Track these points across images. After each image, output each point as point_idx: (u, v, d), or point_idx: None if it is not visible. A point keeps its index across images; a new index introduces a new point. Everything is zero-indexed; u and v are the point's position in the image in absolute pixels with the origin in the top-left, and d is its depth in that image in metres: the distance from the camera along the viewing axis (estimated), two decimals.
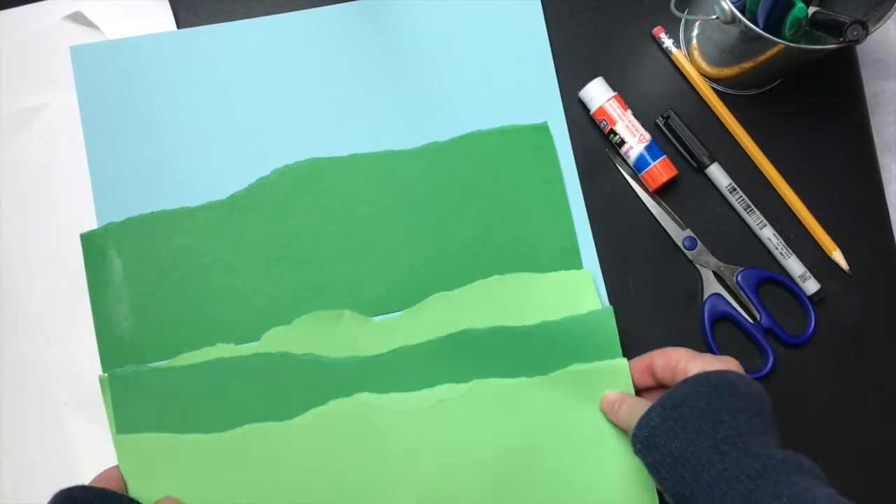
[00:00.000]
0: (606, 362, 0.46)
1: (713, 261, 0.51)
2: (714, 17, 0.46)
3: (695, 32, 0.52)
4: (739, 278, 0.51)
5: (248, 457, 0.46)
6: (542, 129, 0.51)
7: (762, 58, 0.47)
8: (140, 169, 0.50)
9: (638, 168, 0.51)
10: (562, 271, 0.49)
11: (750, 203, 0.52)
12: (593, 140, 0.53)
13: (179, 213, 0.49)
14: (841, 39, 0.43)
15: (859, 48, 0.56)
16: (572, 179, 0.52)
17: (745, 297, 0.51)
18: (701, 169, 0.52)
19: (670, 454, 0.37)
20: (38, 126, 0.50)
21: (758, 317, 0.51)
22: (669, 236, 0.52)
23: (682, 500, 0.36)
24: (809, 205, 0.52)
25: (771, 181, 0.53)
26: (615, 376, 0.45)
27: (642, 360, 0.45)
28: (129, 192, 0.50)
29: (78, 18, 0.51)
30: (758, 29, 0.44)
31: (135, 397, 0.46)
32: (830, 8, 0.49)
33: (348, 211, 0.50)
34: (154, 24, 0.52)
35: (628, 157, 0.51)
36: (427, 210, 0.50)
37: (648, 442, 0.38)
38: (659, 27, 0.54)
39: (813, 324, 0.51)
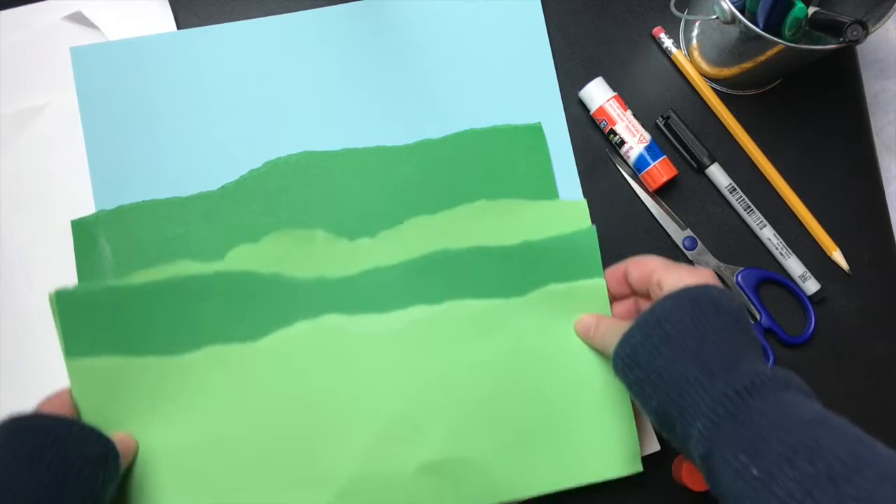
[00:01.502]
0: (584, 282, 0.45)
1: (713, 261, 0.51)
2: (714, 17, 0.46)
3: (695, 32, 0.52)
4: (739, 278, 0.51)
5: (211, 380, 0.43)
6: (536, 130, 0.51)
7: (762, 58, 0.47)
8: (140, 169, 0.50)
9: (638, 168, 0.51)
10: (557, 200, 0.48)
11: (750, 203, 0.52)
12: (593, 140, 0.53)
13: (170, 202, 0.49)
14: (841, 39, 0.43)
15: (859, 48, 0.56)
16: (572, 179, 0.52)
17: (745, 297, 0.51)
18: (701, 169, 0.52)
19: (654, 371, 0.36)
20: (38, 126, 0.50)
21: (758, 317, 0.51)
22: (669, 236, 0.52)
23: (666, 418, 0.36)
24: (809, 205, 0.52)
25: (771, 181, 0.53)
26: (592, 296, 0.45)
27: (616, 270, 0.45)
28: (129, 191, 0.50)
29: (78, 19, 0.51)
30: (758, 29, 0.44)
31: (87, 318, 0.43)
32: (830, 8, 0.49)
33: (340, 206, 0.49)
34: (154, 25, 0.52)
35: (628, 157, 0.51)
36: (419, 206, 0.50)
37: (631, 360, 0.38)
38: (659, 27, 0.54)
39: (813, 324, 0.51)
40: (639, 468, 0.45)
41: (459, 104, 0.52)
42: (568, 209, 0.47)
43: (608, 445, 0.45)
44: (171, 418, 0.43)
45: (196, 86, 0.51)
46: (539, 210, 0.48)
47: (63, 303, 0.43)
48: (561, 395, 0.45)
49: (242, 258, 0.46)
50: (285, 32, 0.52)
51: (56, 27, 0.51)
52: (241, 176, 0.50)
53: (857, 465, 0.29)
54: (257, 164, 0.50)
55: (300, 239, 0.46)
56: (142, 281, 0.44)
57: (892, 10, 0.44)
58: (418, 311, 0.45)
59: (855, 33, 0.42)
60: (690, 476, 0.46)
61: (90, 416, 0.42)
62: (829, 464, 0.29)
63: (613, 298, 0.46)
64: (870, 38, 0.42)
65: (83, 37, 0.51)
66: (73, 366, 0.42)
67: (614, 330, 0.40)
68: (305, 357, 0.44)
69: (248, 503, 0.42)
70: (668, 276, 0.40)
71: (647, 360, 0.37)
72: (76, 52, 0.51)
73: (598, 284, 0.45)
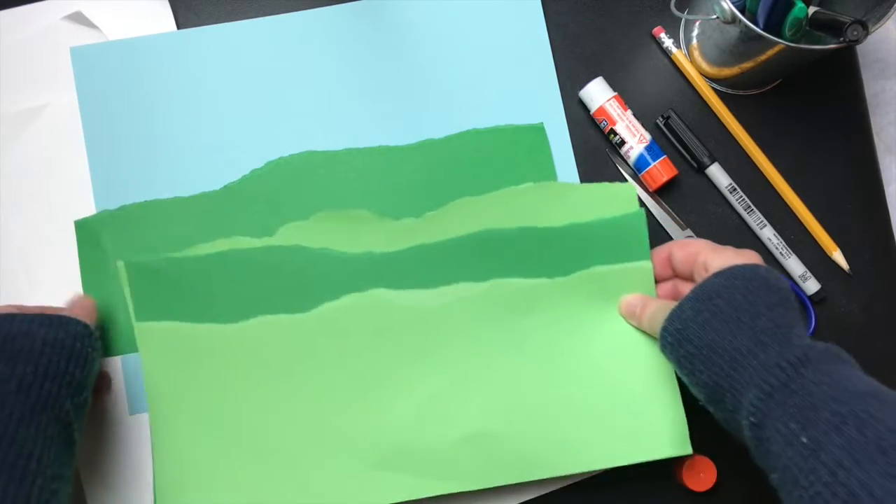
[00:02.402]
0: (630, 264, 0.46)
1: None
2: (714, 17, 0.46)
3: (695, 32, 0.52)
4: None
5: (262, 347, 0.46)
6: (538, 130, 0.51)
7: (762, 58, 0.47)
8: (140, 168, 0.50)
9: (638, 168, 0.51)
10: (605, 183, 0.48)
11: (750, 203, 0.52)
12: (593, 140, 0.53)
13: (173, 202, 0.49)
14: (841, 39, 0.43)
15: (859, 48, 0.56)
16: (572, 179, 0.52)
17: None
18: (701, 169, 0.52)
19: (706, 346, 0.37)
20: (38, 126, 0.50)
21: None
22: (669, 236, 0.52)
23: (716, 391, 0.36)
24: (809, 205, 0.52)
25: (771, 181, 0.53)
26: (638, 278, 0.45)
27: (661, 251, 0.45)
28: (129, 191, 0.50)
29: (78, 18, 0.51)
30: (758, 29, 0.44)
31: (153, 285, 0.46)
32: (830, 8, 0.49)
33: (342, 205, 0.50)
34: (154, 25, 0.52)
35: (628, 157, 0.51)
36: (420, 206, 0.50)
37: (681, 335, 0.38)
38: (659, 27, 0.54)
39: (813, 324, 0.51)
40: (688, 450, 0.45)
41: (459, 104, 0.52)
42: (616, 192, 0.47)
43: (654, 426, 0.45)
44: (224, 382, 0.45)
45: (196, 86, 0.51)
46: (586, 193, 0.48)
47: (132, 271, 0.46)
48: (603, 375, 0.45)
49: (293, 234, 0.47)
50: (285, 32, 0.52)
51: (56, 27, 0.51)
52: (244, 175, 0.50)
53: None
54: (257, 164, 0.50)
55: (348, 217, 0.48)
56: (199, 253, 0.47)
57: (892, 10, 0.44)
58: (463, 288, 0.46)
59: (855, 33, 0.42)
60: (690, 476, 0.46)
61: (156, 377, 0.45)
62: (879, 433, 0.29)
63: (655, 280, 0.46)
64: (870, 37, 0.42)
65: (83, 37, 0.51)
66: (142, 328, 0.46)
67: (663, 310, 0.40)
68: (353, 328, 0.46)
69: (290, 467, 0.44)
70: (715, 258, 0.40)
71: (698, 335, 0.37)
72: (76, 52, 0.51)
73: (644, 267, 0.46)
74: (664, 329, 0.39)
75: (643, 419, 0.45)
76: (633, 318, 0.45)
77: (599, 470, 0.45)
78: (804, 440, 0.31)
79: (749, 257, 0.40)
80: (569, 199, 0.47)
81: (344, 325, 0.46)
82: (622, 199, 0.47)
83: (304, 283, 0.46)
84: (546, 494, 0.48)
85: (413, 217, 0.48)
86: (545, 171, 0.51)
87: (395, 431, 0.45)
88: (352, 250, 0.47)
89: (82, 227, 0.49)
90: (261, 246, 0.47)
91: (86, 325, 0.41)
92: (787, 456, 0.32)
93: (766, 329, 0.36)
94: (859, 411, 0.30)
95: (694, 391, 0.39)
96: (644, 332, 0.45)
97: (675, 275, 0.45)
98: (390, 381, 0.45)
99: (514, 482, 0.44)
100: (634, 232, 0.46)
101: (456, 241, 0.46)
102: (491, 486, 0.44)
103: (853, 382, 0.32)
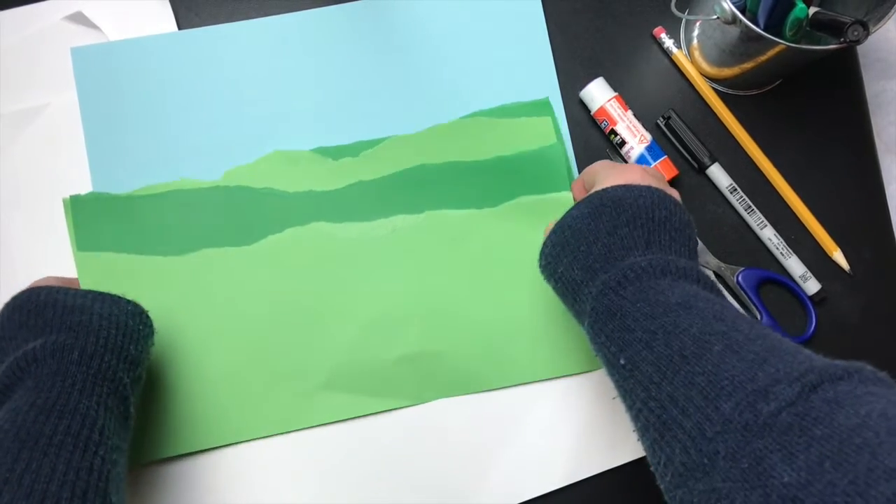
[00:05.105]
0: (552, 194, 0.49)
1: (714, 261, 0.51)
2: (714, 17, 0.46)
3: (695, 33, 0.52)
4: (740, 278, 0.51)
5: (205, 277, 0.47)
6: (544, 105, 0.51)
7: (763, 58, 0.47)
8: (141, 169, 0.50)
9: None
10: (524, 117, 0.50)
11: (750, 203, 0.52)
12: (594, 140, 0.53)
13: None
14: (841, 40, 0.43)
15: (860, 48, 0.56)
16: (573, 179, 0.52)
17: (746, 298, 0.51)
18: (701, 169, 0.52)
19: (559, 279, 0.38)
20: (38, 126, 0.50)
21: (758, 317, 0.51)
22: None
23: (576, 319, 0.38)
24: (810, 205, 0.52)
25: (771, 181, 0.53)
26: (560, 207, 0.47)
27: (579, 179, 0.46)
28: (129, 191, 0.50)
29: (78, 19, 0.51)
30: (758, 29, 0.44)
31: (97, 219, 0.47)
32: (831, 8, 0.49)
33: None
34: (155, 25, 0.51)
35: (629, 157, 0.51)
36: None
37: (545, 271, 0.40)
38: (659, 27, 0.54)
39: (814, 324, 0.51)
40: None
41: (460, 104, 0.52)
42: (536, 126, 0.50)
43: (570, 345, 0.47)
44: (167, 312, 0.47)
45: (197, 86, 0.51)
46: (510, 127, 0.50)
47: (76, 204, 0.48)
48: (527, 298, 0.48)
49: (238, 176, 0.49)
50: (286, 32, 0.52)
51: (56, 27, 0.51)
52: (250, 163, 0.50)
53: (707, 340, 0.29)
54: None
55: (289, 159, 0.50)
56: (145, 193, 0.48)
57: (892, 10, 0.44)
58: (399, 220, 0.49)
59: (856, 33, 0.42)
60: None
61: None
62: (683, 343, 0.30)
63: None
64: (871, 38, 0.42)
65: (83, 37, 0.51)
66: (82, 258, 0.47)
67: None
68: (295, 259, 0.48)
69: (238, 392, 0.47)
70: (603, 180, 0.40)
71: (553, 269, 0.38)
72: (76, 53, 0.51)
73: (564, 197, 0.48)
74: (539, 267, 0.40)
75: (566, 337, 0.47)
76: None
77: (529, 382, 0.48)
78: (622, 362, 0.32)
79: (627, 177, 0.39)
80: (493, 133, 0.50)
81: (286, 256, 0.48)
82: (541, 132, 0.49)
83: (248, 219, 0.48)
84: (546, 494, 0.48)
85: (351, 157, 0.50)
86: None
87: (338, 354, 0.47)
88: (293, 189, 0.49)
89: (76, 203, 0.48)
90: (207, 187, 0.48)
91: (136, 304, 0.42)
92: (615, 380, 0.33)
93: (598, 255, 0.36)
94: (667, 324, 0.31)
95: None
96: None
97: None
98: (331, 307, 0.48)
99: (450, 397, 0.47)
100: (554, 163, 0.49)
101: (391, 177, 0.49)
102: (429, 401, 0.47)
103: (667, 296, 0.32)
